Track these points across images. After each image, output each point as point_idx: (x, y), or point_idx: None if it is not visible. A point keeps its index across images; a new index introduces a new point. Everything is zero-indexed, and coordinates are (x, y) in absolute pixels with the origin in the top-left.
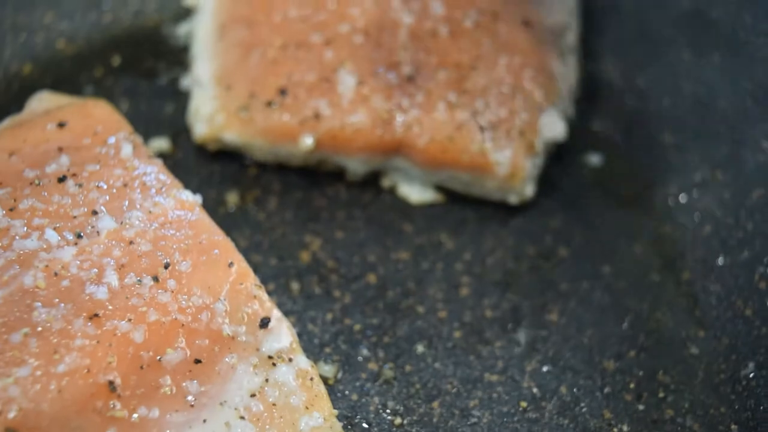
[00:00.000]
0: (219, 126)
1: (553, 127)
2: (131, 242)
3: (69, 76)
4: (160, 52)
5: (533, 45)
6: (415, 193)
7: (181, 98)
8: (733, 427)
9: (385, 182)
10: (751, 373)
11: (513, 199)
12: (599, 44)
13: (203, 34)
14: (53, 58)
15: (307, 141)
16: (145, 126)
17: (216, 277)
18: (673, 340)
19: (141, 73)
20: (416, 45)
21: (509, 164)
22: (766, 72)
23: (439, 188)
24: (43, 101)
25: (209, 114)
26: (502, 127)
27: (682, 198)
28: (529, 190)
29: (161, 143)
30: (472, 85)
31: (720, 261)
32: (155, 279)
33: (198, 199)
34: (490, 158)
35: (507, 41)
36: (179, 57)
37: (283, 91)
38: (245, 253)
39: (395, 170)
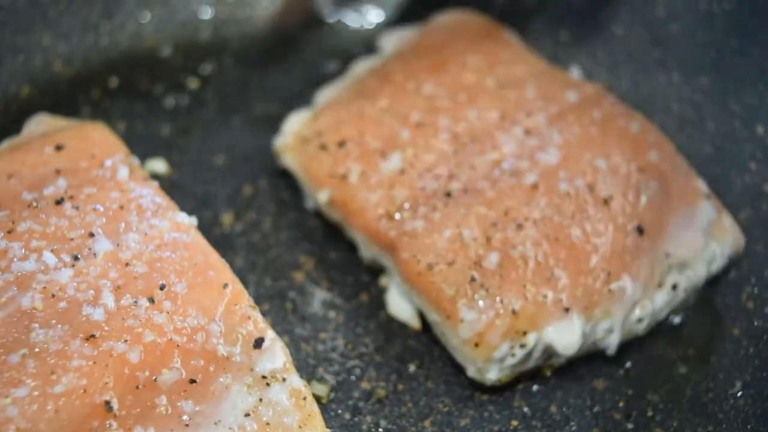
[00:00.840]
0: (284, 145)
1: (564, 338)
2: (127, 264)
3: (66, 98)
4: (157, 75)
5: (626, 253)
6: (397, 306)
7: (178, 120)
8: None
9: (383, 281)
10: (738, 392)
11: (471, 370)
12: (589, 66)
13: (358, 68)
14: (51, 80)
15: (323, 195)
16: (142, 148)
17: (211, 298)
18: (662, 360)
19: (138, 94)
20: (490, 174)
21: (475, 330)
22: (753, 94)
23: (422, 316)
24: (40, 124)
25: (287, 130)
26: (495, 293)
27: None
28: (491, 375)
29: (158, 165)
30: (503, 238)
31: (707, 281)
32: (151, 300)
33: (193, 221)
34: (458, 310)
35: (595, 229)
36: (177, 79)
37: (341, 143)
38: (240, 273)
39: (392, 273)
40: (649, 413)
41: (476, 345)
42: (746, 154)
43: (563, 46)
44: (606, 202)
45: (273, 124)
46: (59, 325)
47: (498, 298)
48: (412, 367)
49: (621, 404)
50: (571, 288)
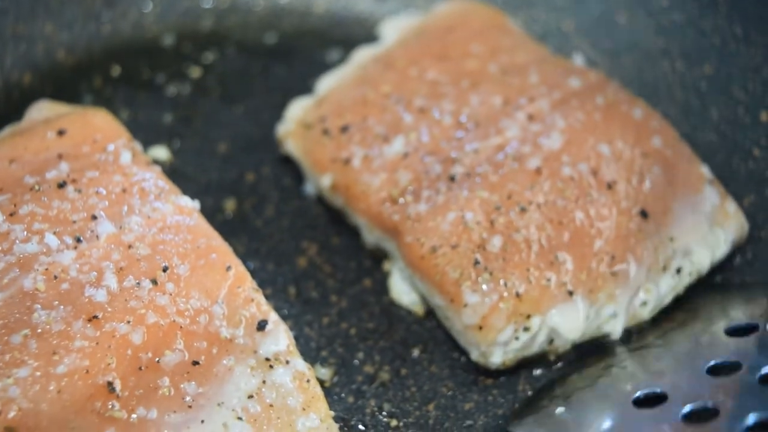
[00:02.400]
0: (286, 132)
1: (568, 322)
2: (130, 246)
3: (68, 86)
4: (159, 63)
5: (630, 237)
6: (400, 291)
7: (180, 108)
8: None
9: (386, 266)
10: None
11: (474, 355)
12: (592, 55)
13: (359, 55)
14: (53, 69)
15: (326, 180)
16: (144, 135)
17: (214, 280)
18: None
19: (140, 83)
20: (493, 158)
21: (479, 314)
22: (757, 81)
23: (425, 302)
24: (42, 110)
25: (290, 117)
26: (498, 276)
27: None
28: (495, 359)
29: (160, 152)
30: (506, 221)
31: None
32: (154, 282)
33: (196, 204)
34: (462, 294)
35: (599, 213)
36: (179, 68)
37: (344, 128)
38: (242, 258)
39: (395, 258)
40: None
41: (480, 328)
42: (750, 140)
43: (566, 35)
44: (610, 186)
45: (275, 113)
46: (61, 306)
47: (502, 282)
48: (415, 352)
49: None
50: (575, 271)
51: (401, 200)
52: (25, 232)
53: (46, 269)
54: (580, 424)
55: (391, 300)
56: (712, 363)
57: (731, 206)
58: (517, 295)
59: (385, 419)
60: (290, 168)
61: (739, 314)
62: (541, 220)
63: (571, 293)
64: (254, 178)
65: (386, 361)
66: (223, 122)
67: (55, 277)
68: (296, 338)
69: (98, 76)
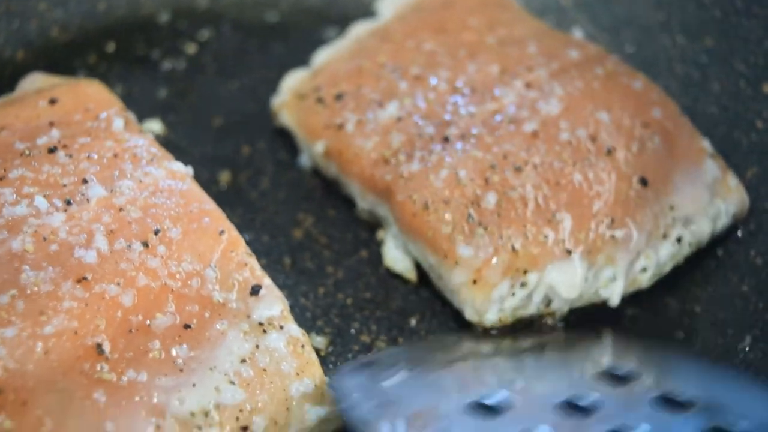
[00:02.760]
0: (281, 103)
1: (565, 280)
2: (121, 209)
3: (62, 62)
4: (154, 40)
5: (629, 202)
6: (394, 258)
7: (175, 83)
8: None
9: (380, 234)
10: (747, 346)
11: (468, 312)
12: (591, 30)
13: (356, 30)
14: (47, 45)
15: (319, 147)
16: (138, 109)
17: (206, 244)
18: (668, 315)
19: (134, 59)
20: (489, 121)
21: (473, 267)
22: (758, 54)
23: (419, 269)
24: (35, 82)
25: (285, 88)
26: (493, 231)
27: None
28: (490, 315)
29: (154, 125)
30: (501, 179)
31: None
32: (145, 245)
33: (189, 170)
34: (455, 247)
35: (598, 177)
36: (174, 44)
37: (339, 96)
38: (237, 230)
39: (388, 224)
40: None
41: (474, 282)
42: (753, 113)
43: (565, 10)
44: (609, 152)
45: (271, 88)
46: (50, 267)
47: (497, 235)
48: (413, 321)
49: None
50: (574, 231)
51: (393, 161)
52: (15, 195)
53: (35, 231)
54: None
55: (388, 271)
56: (565, 399)
57: (732, 180)
58: (513, 249)
59: None
60: (286, 141)
61: (614, 362)
62: (538, 180)
63: (569, 252)
64: (249, 151)
65: (383, 330)
66: (218, 97)
67: (44, 239)
68: (291, 308)
69: (93, 53)
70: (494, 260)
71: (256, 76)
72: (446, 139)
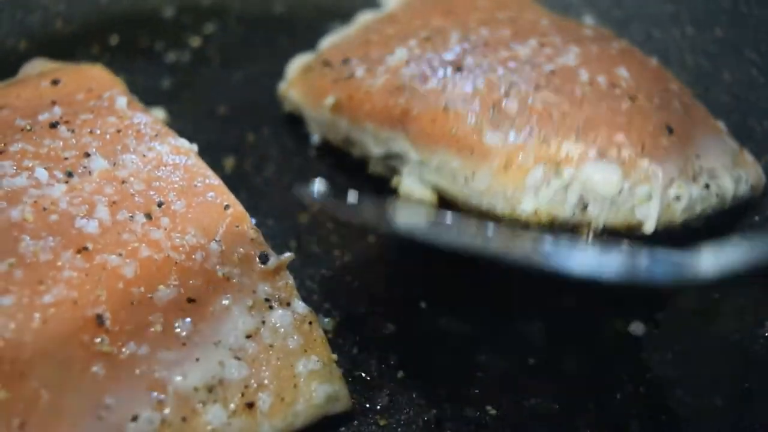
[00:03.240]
0: (288, 82)
1: (602, 177)
2: (124, 181)
3: (65, 54)
4: (158, 33)
5: (656, 139)
6: (409, 187)
7: (179, 73)
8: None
9: (395, 181)
10: (767, 332)
11: (500, 205)
12: (601, 22)
13: (362, 18)
14: (50, 37)
15: (328, 101)
16: (141, 97)
17: (211, 218)
18: (686, 301)
19: (138, 50)
20: (505, 63)
21: (504, 152)
22: None
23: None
24: (37, 67)
25: (291, 71)
26: (521, 124)
27: None
28: (525, 204)
29: (157, 113)
30: (523, 92)
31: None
32: (148, 216)
33: (194, 147)
34: (483, 137)
35: (625, 112)
36: (178, 37)
37: (345, 60)
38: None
39: (404, 161)
40: (676, 352)
41: (506, 168)
42: (765, 100)
43: (572, 4)
44: (631, 98)
45: (276, 78)
46: (50, 237)
47: (526, 126)
48: (423, 304)
49: (645, 343)
50: (606, 140)
51: (407, 87)
52: (15, 168)
53: (35, 201)
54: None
55: (395, 258)
56: None
57: (749, 157)
58: (545, 140)
59: (391, 370)
60: (291, 128)
61: None
62: (560, 98)
63: (604, 155)
64: (254, 138)
65: (391, 313)
66: (222, 87)
67: (44, 209)
68: (298, 290)
69: (96, 44)
70: (527, 144)
71: (261, 67)
72: (459, 68)
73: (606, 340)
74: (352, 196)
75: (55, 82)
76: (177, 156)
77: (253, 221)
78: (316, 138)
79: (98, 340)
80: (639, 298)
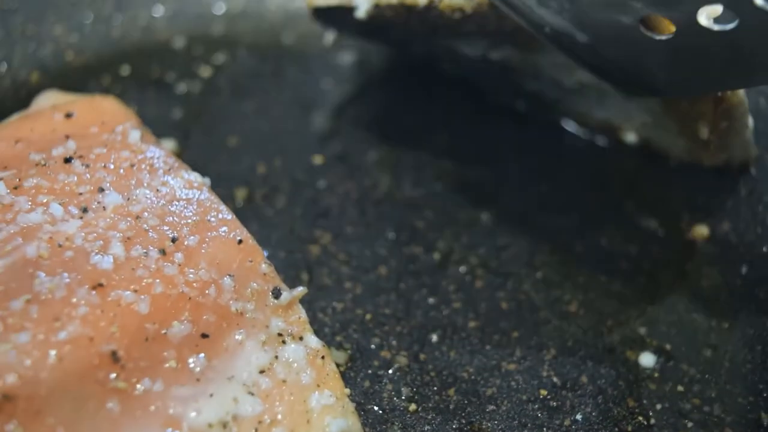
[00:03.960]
0: None
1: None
2: (138, 217)
3: (77, 85)
4: (169, 63)
5: None
6: None
7: (190, 105)
8: (762, 415)
9: None
10: None
11: None
12: None
13: None
14: (61, 69)
15: None
16: (153, 129)
17: (224, 253)
18: (696, 332)
19: (149, 81)
20: None
21: None
22: None
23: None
24: (50, 99)
25: None
26: None
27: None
28: None
29: (169, 144)
30: None
31: (741, 253)
32: (162, 252)
33: (207, 181)
34: None
35: None
36: (189, 68)
37: None
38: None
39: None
40: (686, 383)
41: None
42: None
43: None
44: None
45: (287, 109)
46: (65, 273)
47: None
48: (434, 337)
49: (656, 374)
50: None
51: None
52: (30, 204)
53: (50, 237)
54: None
55: (408, 286)
56: None
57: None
58: None
59: (403, 404)
60: (302, 161)
61: None
62: None
63: None
64: (265, 169)
65: (403, 346)
66: (233, 117)
67: (60, 245)
68: (310, 323)
69: (108, 75)
70: None
71: (271, 97)
72: None
73: (617, 370)
74: None
75: (68, 116)
76: (190, 190)
77: (265, 253)
78: (361, 12)
79: (113, 376)
80: (650, 326)
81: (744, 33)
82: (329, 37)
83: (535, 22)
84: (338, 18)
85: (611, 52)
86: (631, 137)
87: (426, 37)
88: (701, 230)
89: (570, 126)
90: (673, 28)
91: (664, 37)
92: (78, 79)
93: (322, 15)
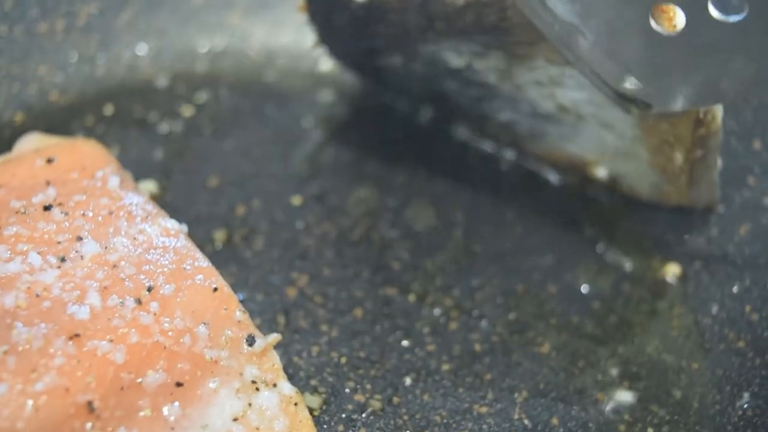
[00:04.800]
0: None
1: None
2: (115, 266)
3: (60, 125)
4: (152, 103)
5: None
6: None
7: (172, 144)
8: None
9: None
10: (746, 403)
11: None
12: None
13: None
14: (45, 108)
15: None
16: (134, 170)
17: (200, 301)
18: (666, 372)
19: (132, 121)
20: None
21: None
22: (746, 110)
23: None
24: (32, 142)
25: None
26: None
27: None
28: None
29: (149, 186)
30: None
31: (712, 293)
32: (138, 301)
33: (183, 227)
34: None
35: None
36: (172, 107)
37: None
38: (231, 289)
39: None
40: (655, 425)
41: None
42: (744, 169)
43: None
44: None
45: (267, 149)
46: (42, 324)
47: None
48: (408, 380)
49: (626, 416)
50: None
51: None
52: (9, 253)
53: (29, 287)
54: None
55: (383, 329)
56: None
57: None
58: None
59: None
60: (281, 201)
61: None
62: None
63: None
64: (245, 210)
65: (377, 389)
66: (214, 157)
67: (37, 295)
68: (285, 367)
69: (90, 115)
70: None
71: (251, 137)
72: None
73: (587, 412)
74: None
75: (49, 161)
76: (167, 238)
77: (241, 297)
78: None
79: (89, 426)
80: (622, 366)
81: (754, 24)
82: (317, 50)
83: (545, 20)
84: (332, 8)
85: (619, 50)
86: (602, 172)
87: (417, 36)
88: (673, 269)
89: (541, 166)
90: (677, 27)
91: (673, 34)
92: (62, 119)
93: (316, 4)
